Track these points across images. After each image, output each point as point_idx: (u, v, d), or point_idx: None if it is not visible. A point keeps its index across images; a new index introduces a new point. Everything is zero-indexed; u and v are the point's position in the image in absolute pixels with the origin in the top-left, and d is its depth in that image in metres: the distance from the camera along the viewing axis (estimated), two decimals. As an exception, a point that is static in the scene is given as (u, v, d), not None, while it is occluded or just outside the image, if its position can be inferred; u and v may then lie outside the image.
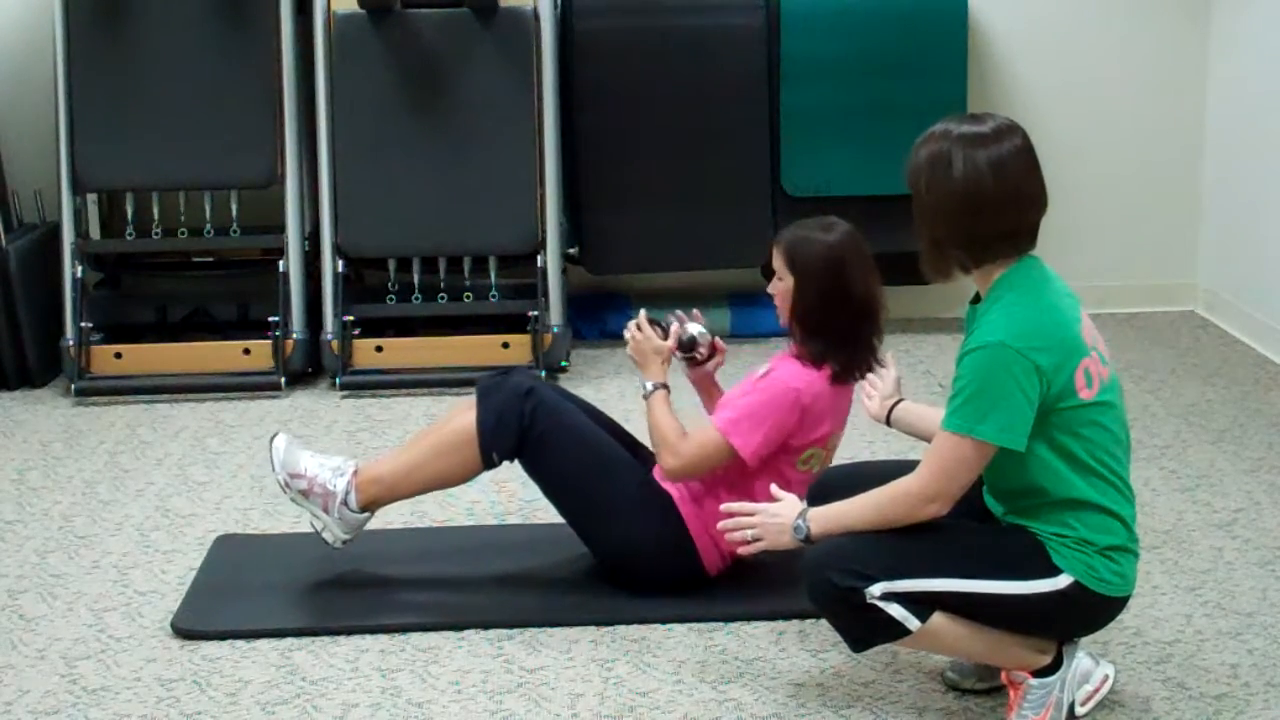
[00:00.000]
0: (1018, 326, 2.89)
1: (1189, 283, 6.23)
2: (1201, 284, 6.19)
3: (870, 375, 3.56)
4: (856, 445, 4.66)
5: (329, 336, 5.40)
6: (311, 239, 5.55)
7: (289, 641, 3.52)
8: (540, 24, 5.46)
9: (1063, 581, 2.95)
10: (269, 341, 5.39)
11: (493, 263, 5.51)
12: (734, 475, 3.56)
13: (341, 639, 3.52)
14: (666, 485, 3.65)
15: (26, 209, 5.67)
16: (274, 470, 3.69)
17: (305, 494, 3.68)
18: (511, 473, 3.77)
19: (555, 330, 5.41)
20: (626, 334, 3.72)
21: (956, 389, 2.91)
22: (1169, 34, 6.09)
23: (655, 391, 3.62)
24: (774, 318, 3.67)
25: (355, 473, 3.70)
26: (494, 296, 5.50)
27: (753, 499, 3.28)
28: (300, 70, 5.48)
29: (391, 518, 3.96)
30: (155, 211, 5.50)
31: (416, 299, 5.48)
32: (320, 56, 5.45)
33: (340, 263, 5.44)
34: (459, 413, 3.74)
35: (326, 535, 3.71)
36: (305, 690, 3.31)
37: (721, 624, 3.56)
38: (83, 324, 5.36)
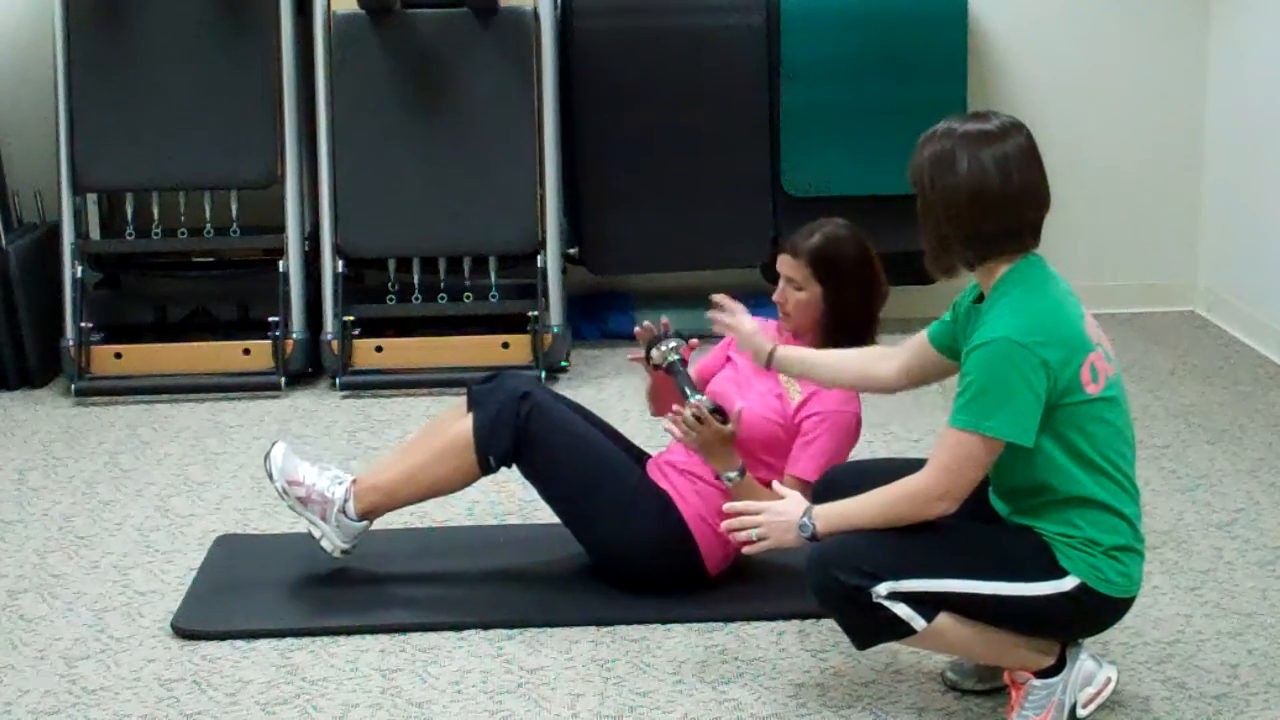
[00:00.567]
0: (1024, 322, 2.90)
1: (1189, 283, 6.23)
2: (1201, 284, 6.19)
3: (721, 317, 3.54)
4: (856, 445, 4.65)
5: (329, 337, 5.40)
6: (311, 239, 5.55)
7: (289, 641, 3.52)
8: (540, 24, 5.46)
9: (1069, 584, 2.95)
10: (269, 341, 5.39)
11: (493, 263, 5.51)
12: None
13: (341, 639, 3.52)
14: (665, 485, 3.65)
15: (26, 209, 5.67)
16: (272, 478, 3.69)
17: (303, 501, 3.68)
18: (511, 473, 3.77)
19: (555, 330, 5.41)
20: (681, 427, 3.43)
21: (963, 385, 2.91)
22: (1169, 34, 6.09)
23: (742, 477, 3.48)
24: (775, 318, 3.67)
25: (354, 481, 3.70)
26: (494, 296, 5.50)
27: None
28: (300, 70, 5.48)
29: (391, 518, 3.96)
30: (155, 211, 5.50)
31: (416, 299, 5.48)
32: (320, 56, 5.45)
33: (340, 263, 5.44)
34: (453, 419, 3.74)
35: (325, 544, 3.71)
36: (305, 690, 3.31)
37: (721, 624, 3.56)
38: (83, 324, 5.36)
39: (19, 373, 5.41)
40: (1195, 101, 6.11)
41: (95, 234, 5.67)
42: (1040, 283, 2.98)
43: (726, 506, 3.20)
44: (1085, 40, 6.09)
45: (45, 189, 5.62)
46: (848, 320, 3.56)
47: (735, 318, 3.52)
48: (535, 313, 5.38)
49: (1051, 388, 2.89)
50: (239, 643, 3.51)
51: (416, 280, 5.47)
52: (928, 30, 5.77)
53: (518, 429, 3.62)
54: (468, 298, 5.48)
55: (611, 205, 5.77)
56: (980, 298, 3.05)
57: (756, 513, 3.13)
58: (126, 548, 4.07)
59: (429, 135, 5.44)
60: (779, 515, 3.10)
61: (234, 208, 5.52)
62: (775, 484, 3.22)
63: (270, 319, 5.39)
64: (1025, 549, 2.98)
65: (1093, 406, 2.94)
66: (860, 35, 5.73)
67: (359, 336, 5.42)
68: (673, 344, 3.63)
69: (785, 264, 3.62)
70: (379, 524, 3.83)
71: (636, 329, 3.69)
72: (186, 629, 3.57)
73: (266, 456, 3.72)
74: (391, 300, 5.50)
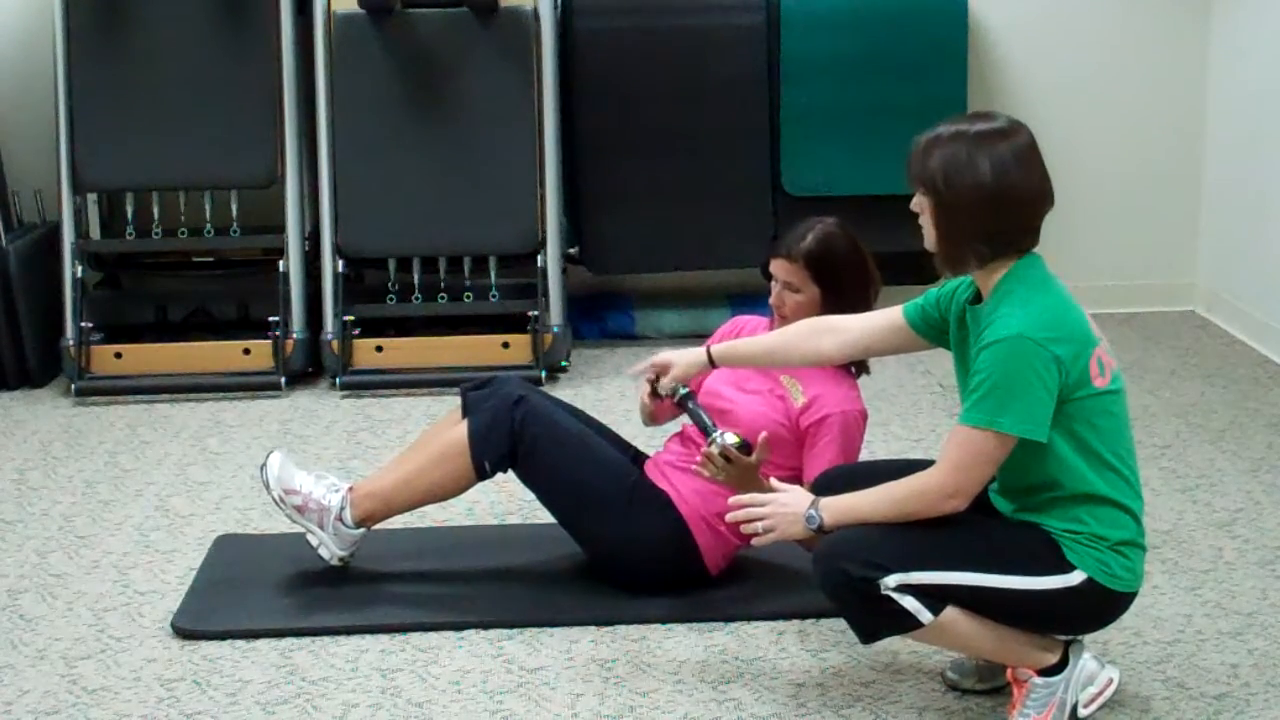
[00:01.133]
0: (1035, 319, 2.90)
1: (1189, 283, 6.23)
2: (1201, 284, 6.19)
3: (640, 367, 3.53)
4: (856, 445, 4.66)
5: (329, 336, 5.40)
6: (311, 239, 5.55)
7: (289, 641, 3.52)
8: (540, 24, 5.46)
9: (1076, 578, 2.96)
10: (269, 341, 5.39)
11: (493, 263, 5.51)
12: None
13: (341, 639, 3.52)
14: (663, 485, 3.65)
15: (26, 209, 5.67)
16: (268, 487, 3.69)
17: (300, 510, 3.68)
18: (511, 473, 3.77)
19: (555, 330, 5.41)
20: (710, 467, 3.38)
21: (975, 383, 2.91)
22: (1169, 34, 6.09)
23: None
24: (768, 315, 3.67)
25: (350, 488, 3.70)
26: (494, 296, 5.50)
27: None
28: (300, 70, 5.48)
29: (391, 519, 3.96)
30: (155, 211, 5.50)
31: (416, 299, 5.48)
32: (320, 56, 5.45)
33: (340, 263, 5.44)
34: (448, 425, 3.74)
35: (323, 551, 3.71)
36: (305, 690, 3.31)
37: (721, 624, 3.56)
38: (83, 324, 5.36)
39: (19, 373, 5.41)
40: (1195, 102, 6.11)
41: (95, 234, 5.67)
42: (1044, 281, 2.99)
43: (732, 500, 3.19)
44: (1085, 40, 6.09)
45: (45, 189, 5.62)
46: (842, 314, 3.54)
47: (654, 358, 3.49)
48: (535, 313, 5.38)
49: (1063, 383, 2.90)
50: (239, 643, 3.51)
51: (416, 280, 5.47)
52: (928, 30, 5.77)
53: (513, 434, 3.62)
54: (468, 298, 5.48)
55: (611, 205, 5.77)
56: (977, 297, 3.05)
57: (762, 504, 3.13)
58: (126, 548, 4.07)
59: (429, 135, 5.44)
60: (785, 507, 3.10)
61: (234, 208, 5.52)
62: (773, 480, 3.22)
63: (270, 319, 5.39)
64: (1032, 543, 2.99)
65: (1101, 400, 2.96)
66: (860, 35, 5.73)
67: (359, 336, 5.42)
68: (684, 392, 3.52)
69: (780, 268, 3.61)
70: (380, 524, 3.83)
71: (636, 368, 3.58)
72: (186, 629, 3.57)
73: (263, 466, 3.72)
74: (391, 300, 5.50)
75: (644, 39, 5.72)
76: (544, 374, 5.30)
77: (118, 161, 5.44)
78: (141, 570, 3.93)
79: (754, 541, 3.19)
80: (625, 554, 3.67)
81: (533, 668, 3.39)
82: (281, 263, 5.46)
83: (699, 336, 3.79)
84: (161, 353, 5.46)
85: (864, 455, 4.49)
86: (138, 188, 5.53)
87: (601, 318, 5.91)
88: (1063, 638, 3.11)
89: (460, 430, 3.65)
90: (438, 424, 3.88)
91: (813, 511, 3.05)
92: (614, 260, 5.88)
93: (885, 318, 3.26)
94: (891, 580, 2.95)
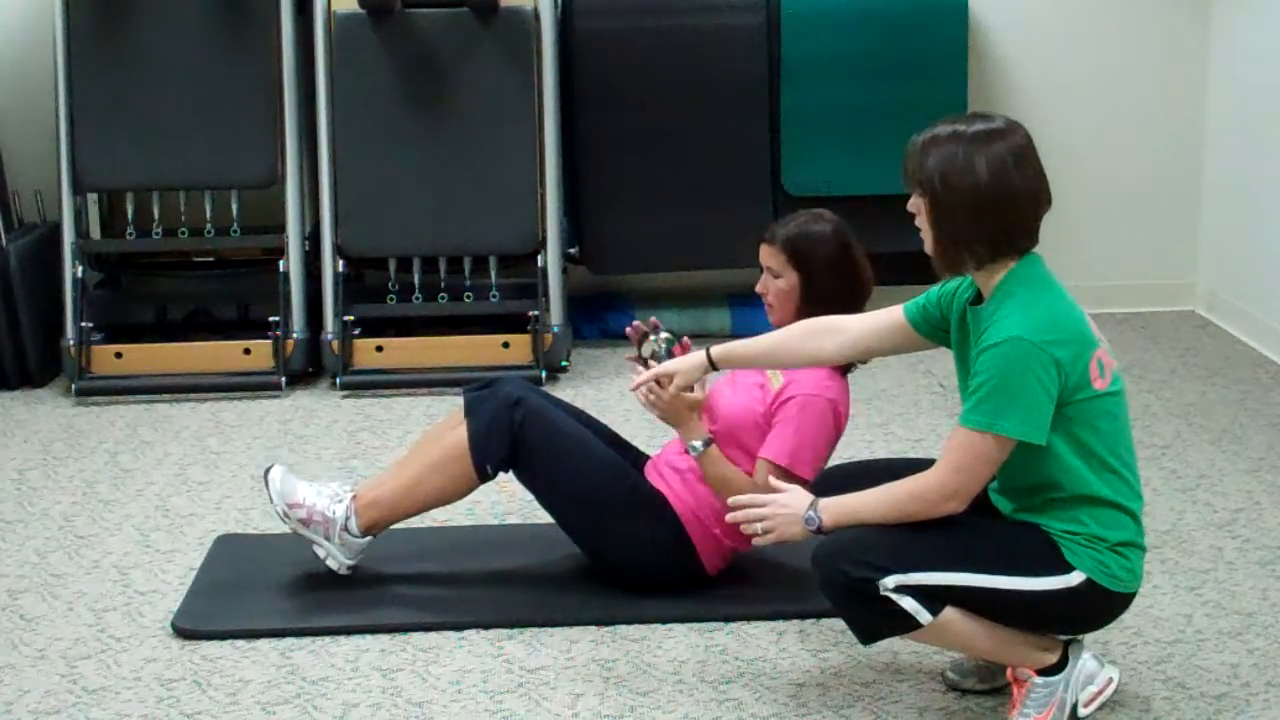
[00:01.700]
0: (1036, 321, 2.90)
1: (1189, 283, 6.23)
2: (1201, 284, 6.19)
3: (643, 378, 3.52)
4: (856, 445, 4.66)
5: (329, 336, 5.40)
6: (311, 239, 5.55)
7: (289, 641, 3.52)
8: (540, 24, 5.46)
9: (1075, 579, 2.96)
10: (269, 341, 5.39)
11: (493, 263, 5.51)
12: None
13: (341, 639, 3.52)
14: (660, 486, 3.65)
15: (26, 209, 5.67)
16: (271, 502, 3.69)
17: (305, 523, 3.68)
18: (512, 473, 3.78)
19: (555, 330, 5.41)
20: (650, 396, 3.48)
21: (975, 385, 2.91)
22: (1169, 34, 6.09)
23: (708, 448, 3.52)
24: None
25: (354, 497, 3.70)
26: (494, 296, 5.50)
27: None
28: (300, 70, 5.48)
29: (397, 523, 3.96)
30: (155, 211, 5.50)
31: (417, 299, 5.48)
32: (320, 56, 5.44)
33: (340, 263, 5.44)
34: (448, 427, 3.74)
35: (331, 562, 3.71)
36: (305, 690, 3.31)
37: (721, 624, 3.56)
38: (83, 324, 5.36)
39: (19, 373, 5.41)
40: (1195, 102, 6.11)
41: (95, 234, 5.67)
42: (1045, 281, 2.99)
43: (731, 500, 3.20)
44: (1085, 40, 6.09)
45: (45, 189, 5.62)
46: (828, 310, 3.53)
47: (655, 369, 3.50)
48: (535, 313, 5.38)
49: (1063, 385, 2.90)
50: (239, 643, 3.51)
51: (417, 280, 5.47)
52: (928, 30, 5.77)
53: (513, 436, 3.62)
54: (468, 298, 5.48)
55: (611, 205, 5.76)
56: (978, 298, 3.05)
57: (762, 505, 3.13)
58: (126, 548, 4.07)
59: (429, 135, 5.44)
60: (784, 508, 3.10)
61: (234, 208, 5.52)
62: (772, 479, 3.21)
63: (270, 319, 5.39)
64: (1032, 544, 2.99)
65: (1101, 401, 2.96)
66: (860, 35, 5.73)
67: (359, 336, 5.42)
68: (665, 336, 3.61)
69: (765, 253, 3.62)
70: (383, 528, 3.83)
71: (628, 328, 3.68)
72: (186, 629, 3.57)
73: (265, 480, 3.71)
74: (392, 300, 5.50)
75: (644, 39, 5.72)
76: (544, 374, 5.30)
77: (118, 161, 5.44)
78: (141, 570, 3.93)
79: (754, 542, 3.19)
80: (623, 555, 3.67)
81: (533, 668, 3.39)
82: (282, 263, 5.46)
83: (699, 336, 3.79)
84: (161, 353, 5.45)
85: (864, 455, 4.51)
86: (138, 188, 5.53)
87: (601, 318, 5.91)
88: (1062, 638, 3.11)
89: (460, 434, 3.65)
90: (438, 426, 3.88)
91: (812, 513, 3.05)
92: (614, 260, 5.88)
93: (886, 317, 3.26)
94: (890, 581, 2.95)
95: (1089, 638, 3.20)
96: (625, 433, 4.00)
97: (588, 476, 3.65)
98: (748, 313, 5.77)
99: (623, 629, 3.55)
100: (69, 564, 3.97)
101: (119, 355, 5.41)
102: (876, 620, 3.02)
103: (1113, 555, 2.97)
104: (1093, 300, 3.37)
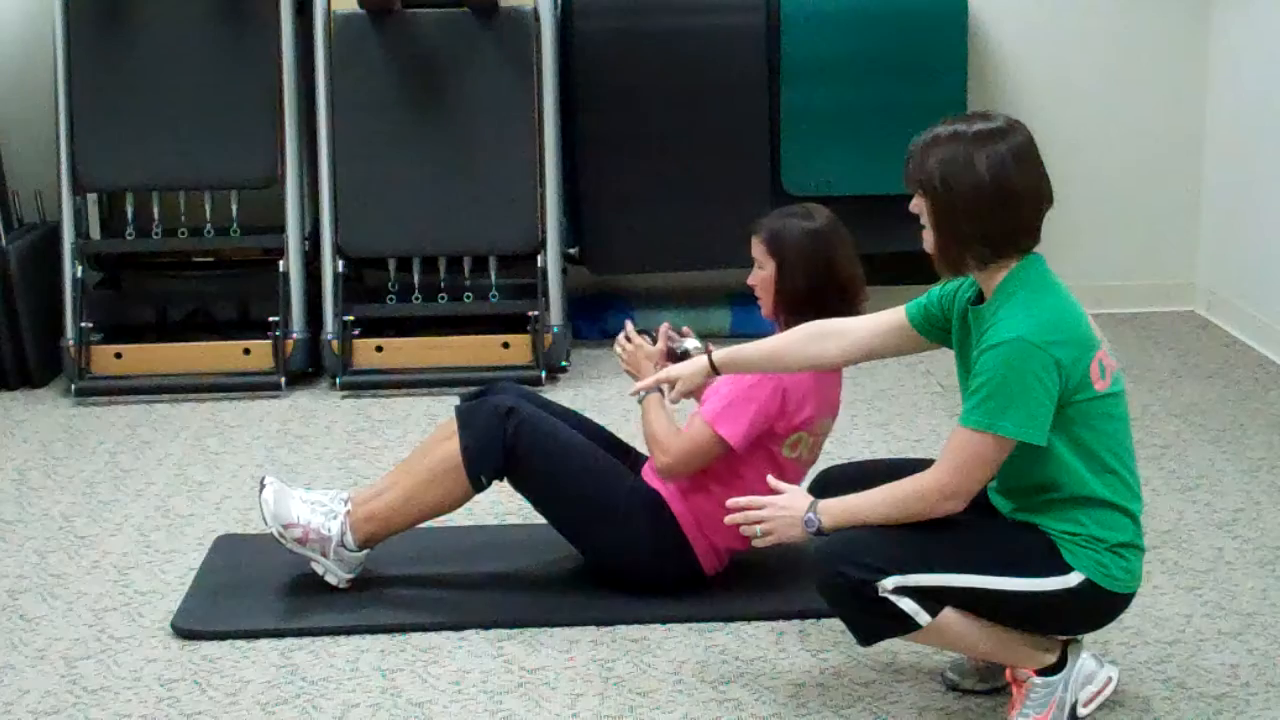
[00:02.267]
0: (1037, 322, 2.90)
1: (1189, 283, 6.23)
2: (1201, 284, 6.19)
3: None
4: (856, 445, 4.66)
5: (329, 336, 5.40)
6: (311, 239, 5.55)
7: (289, 641, 3.52)
8: (540, 24, 5.46)
9: (1074, 579, 2.96)
10: (269, 341, 5.39)
11: (493, 263, 5.51)
12: (722, 469, 3.56)
13: (341, 639, 3.52)
14: (657, 486, 3.65)
15: (26, 209, 5.67)
16: (266, 523, 3.68)
17: (301, 541, 3.67)
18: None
19: (555, 330, 5.41)
20: (617, 348, 3.75)
21: (975, 385, 2.91)
22: (1169, 34, 6.09)
23: (648, 395, 3.62)
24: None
25: (348, 512, 3.70)
26: (494, 296, 5.50)
27: (744, 493, 3.27)
28: (300, 70, 5.48)
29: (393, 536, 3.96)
30: (155, 211, 5.50)
31: (416, 299, 5.48)
32: (320, 56, 5.44)
33: (340, 263, 5.44)
34: (442, 437, 3.73)
35: (330, 578, 3.70)
36: (305, 690, 3.31)
37: (721, 624, 3.56)
38: (83, 324, 5.36)
39: (19, 373, 5.41)
40: (1195, 102, 6.11)
41: (95, 234, 5.67)
42: (1046, 282, 2.99)
43: (730, 502, 3.19)
44: (1085, 40, 6.09)
45: (45, 189, 5.62)
46: (797, 303, 3.53)
47: (659, 374, 3.53)
48: (535, 313, 5.38)
49: (1064, 386, 2.90)
50: (239, 643, 3.51)
51: (416, 280, 5.47)
52: (928, 30, 5.77)
53: (505, 446, 3.61)
54: (468, 298, 5.48)
55: (611, 205, 5.76)
56: (979, 298, 3.05)
57: (761, 507, 3.13)
58: (126, 548, 4.07)
59: (429, 135, 5.44)
60: (783, 510, 3.10)
61: (234, 208, 5.52)
62: (770, 479, 3.20)
63: (270, 319, 5.39)
64: (1030, 545, 2.99)
65: (1101, 403, 2.96)
66: (860, 35, 5.73)
67: (359, 336, 5.42)
68: (695, 345, 3.69)
69: (752, 243, 3.64)
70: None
71: (624, 330, 3.75)
72: (186, 629, 3.57)
73: (259, 498, 3.70)
74: (391, 300, 5.50)
75: (644, 39, 5.72)
76: (544, 374, 5.30)
77: (118, 161, 5.44)
78: (141, 570, 3.93)
79: (753, 543, 3.19)
80: (621, 557, 3.66)
81: (533, 668, 3.39)
82: (281, 263, 5.46)
83: (698, 337, 3.79)
84: (161, 353, 5.45)
85: (864, 455, 4.51)
86: (138, 188, 5.53)
87: (601, 318, 5.91)
88: (1061, 638, 3.11)
89: (453, 446, 3.64)
90: (432, 437, 3.84)
91: (812, 514, 3.05)
92: (614, 260, 5.88)
93: (888, 319, 3.25)
94: (889, 582, 2.95)
95: (1089, 638, 3.20)
96: (624, 433, 3.99)
97: (583, 482, 3.65)
98: (748, 313, 5.77)
99: (622, 629, 3.54)
100: (69, 564, 3.97)
101: (119, 355, 5.41)
102: (876, 621, 3.02)
103: (1112, 556, 2.97)
104: (1093, 300, 3.38)
